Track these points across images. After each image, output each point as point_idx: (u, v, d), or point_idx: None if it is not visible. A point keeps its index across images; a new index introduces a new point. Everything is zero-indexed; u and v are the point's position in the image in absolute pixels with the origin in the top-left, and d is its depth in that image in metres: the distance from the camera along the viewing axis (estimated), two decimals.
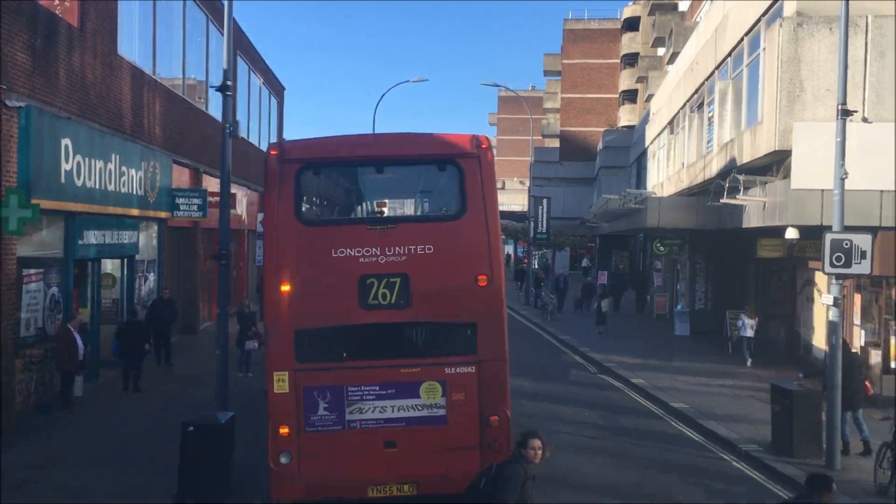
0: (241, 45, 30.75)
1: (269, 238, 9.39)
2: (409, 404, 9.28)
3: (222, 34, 27.85)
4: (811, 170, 15.48)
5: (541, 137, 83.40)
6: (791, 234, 16.86)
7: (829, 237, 11.89)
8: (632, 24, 61.56)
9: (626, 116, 60.80)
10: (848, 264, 11.77)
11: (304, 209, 9.60)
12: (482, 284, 9.27)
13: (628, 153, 50.92)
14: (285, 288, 9.16)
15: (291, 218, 9.29)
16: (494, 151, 9.56)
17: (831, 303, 11.97)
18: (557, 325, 30.05)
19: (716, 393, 17.83)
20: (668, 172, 33.26)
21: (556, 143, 74.93)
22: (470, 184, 9.36)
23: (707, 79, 25.10)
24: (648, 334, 28.02)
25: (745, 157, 18.96)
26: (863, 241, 11.79)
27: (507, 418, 9.37)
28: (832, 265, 11.81)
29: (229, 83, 12.02)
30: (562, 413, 15.92)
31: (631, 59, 61.09)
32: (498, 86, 40.21)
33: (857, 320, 17.37)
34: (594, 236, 57.27)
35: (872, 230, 15.41)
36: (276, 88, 40.31)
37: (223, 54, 13.38)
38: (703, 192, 23.56)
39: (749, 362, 21.25)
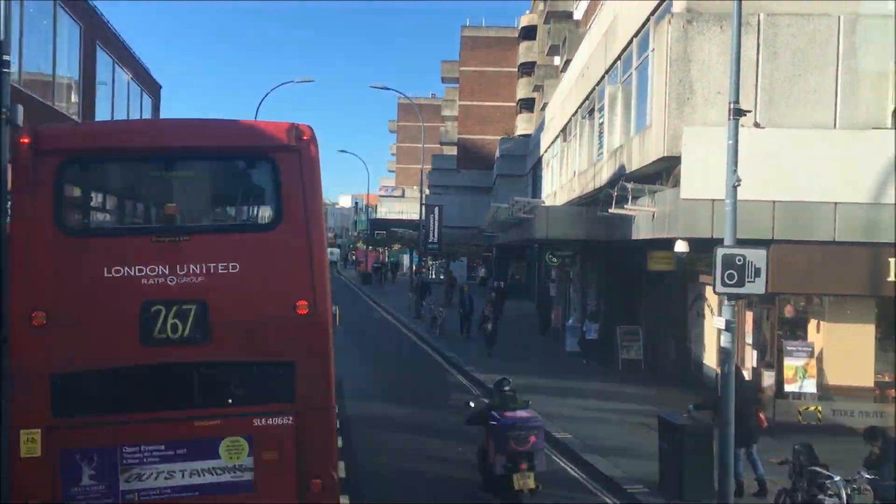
0: (101, 35, 27.82)
1: (16, 252, 7.18)
2: (205, 467, 7.25)
3: (77, 23, 25.32)
4: (702, 177, 14.26)
5: (439, 145, 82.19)
6: (680, 247, 15.64)
7: (720, 252, 10.51)
8: (529, 33, 60.99)
9: (524, 125, 60.13)
10: (741, 283, 10.41)
11: (66, 215, 7.45)
12: (302, 313, 7.35)
13: (525, 162, 50.07)
14: (38, 318, 6.99)
15: (49, 226, 7.13)
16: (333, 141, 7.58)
17: (723, 326, 10.59)
18: (446, 341, 28.31)
19: (604, 419, 16.41)
20: (560, 181, 32.24)
21: (454, 151, 73.77)
22: (287, 184, 7.43)
23: (598, 84, 24.01)
24: (540, 350, 26.65)
25: (634, 165, 17.74)
26: (757, 256, 10.46)
27: (335, 482, 7.46)
28: (724, 284, 10.42)
29: (6, 58, 9.67)
30: (432, 448, 14.13)
31: (528, 68, 60.51)
32: (387, 88, 38.55)
33: (749, 339, 16.31)
34: (491, 246, 56.15)
35: (765, 243, 14.33)
36: (150, 86, 37.26)
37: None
38: (595, 202, 22.36)
39: (586, 362, 23.28)
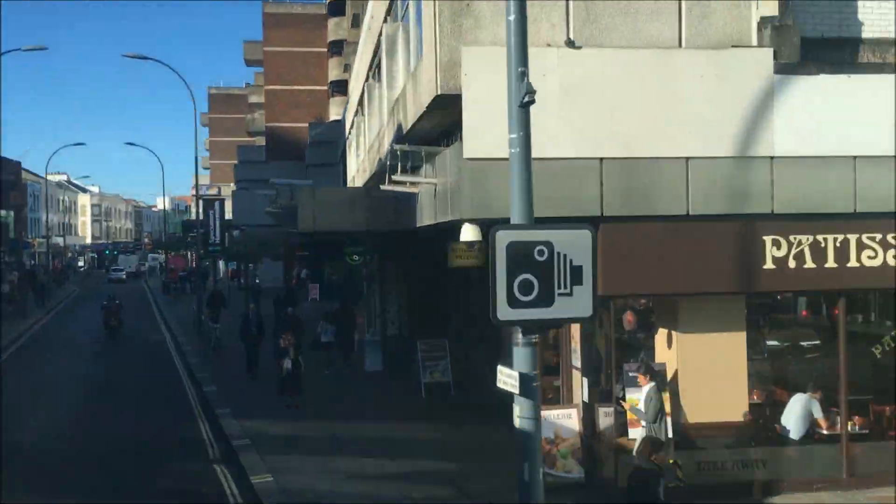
0: None
1: None
2: None
3: None
4: (493, 124, 9.04)
5: (248, 136, 74.91)
6: (468, 234, 10.45)
7: (503, 238, 5.26)
8: (337, 8, 55.25)
9: (336, 109, 54.41)
10: (546, 298, 5.21)
11: None
12: None
13: (337, 148, 44.54)
14: None
15: None
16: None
17: (517, 390, 5.34)
18: (220, 368, 21.99)
19: (373, 496, 11.02)
20: (358, 162, 26.90)
21: (264, 142, 66.92)
22: None
23: (381, 34, 18.69)
24: (333, 373, 20.86)
25: (411, 118, 12.47)
26: (575, 243, 5.28)
27: None
28: (512, 303, 5.19)
29: None
30: None
31: (338, 47, 54.86)
32: (145, 58, 31.26)
33: (576, 361, 11.44)
34: (302, 244, 49.99)
35: (592, 222, 9.41)
36: None
37: None
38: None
39: (328, 371, 20.26)
